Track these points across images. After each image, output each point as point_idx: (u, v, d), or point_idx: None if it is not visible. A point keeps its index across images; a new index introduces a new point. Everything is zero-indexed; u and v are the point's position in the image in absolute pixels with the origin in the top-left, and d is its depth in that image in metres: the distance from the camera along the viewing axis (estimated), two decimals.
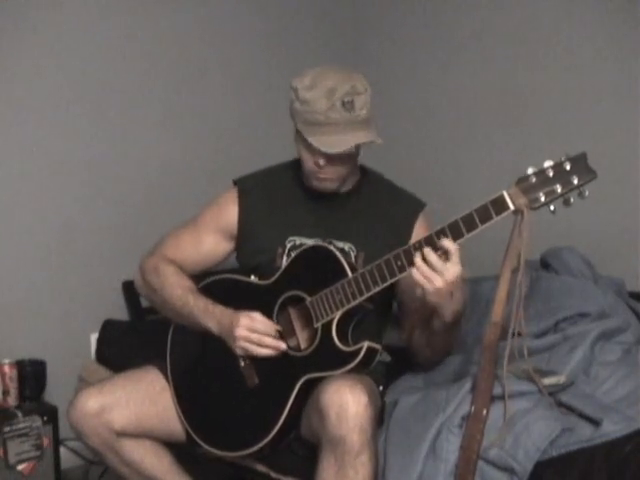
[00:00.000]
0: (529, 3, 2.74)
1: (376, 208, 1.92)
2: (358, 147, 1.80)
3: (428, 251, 1.58)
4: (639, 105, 2.41)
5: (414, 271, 1.60)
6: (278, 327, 1.77)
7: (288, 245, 1.88)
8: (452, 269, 1.58)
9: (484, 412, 1.58)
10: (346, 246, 1.87)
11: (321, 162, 1.77)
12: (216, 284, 1.93)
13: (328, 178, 1.82)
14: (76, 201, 2.70)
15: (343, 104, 1.72)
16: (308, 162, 1.81)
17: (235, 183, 1.99)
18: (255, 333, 1.74)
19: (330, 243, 1.85)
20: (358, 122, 1.74)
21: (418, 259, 1.59)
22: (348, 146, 1.73)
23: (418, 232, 1.88)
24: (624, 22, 2.46)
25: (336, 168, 1.80)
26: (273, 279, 1.83)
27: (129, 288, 2.77)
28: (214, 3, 2.99)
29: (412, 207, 1.93)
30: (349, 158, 1.81)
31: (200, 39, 2.96)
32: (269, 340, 1.74)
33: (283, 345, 1.75)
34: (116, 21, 2.74)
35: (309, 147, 1.77)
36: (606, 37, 2.53)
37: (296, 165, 1.95)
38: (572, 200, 1.51)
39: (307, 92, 1.74)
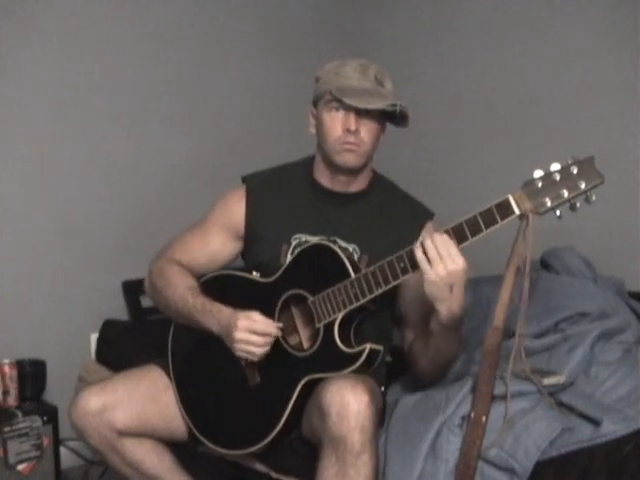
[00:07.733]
0: (534, 5, 2.75)
1: (384, 213, 1.90)
2: (384, 126, 1.85)
3: (438, 234, 1.56)
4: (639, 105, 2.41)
5: (418, 252, 1.57)
6: (279, 324, 1.75)
7: (293, 242, 1.86)
8: (456, 257, 1.54)
9: (484, 418, 1.56)
10: (350, 247, 1.86)
11: (352, 125, 1.78)
12: (217, 280, 1.92)
13: (354, 149, 1.81)
14: (76, 201, 2.70)
15: (375, 78, 1.82)
16: (337, 129, 1.80)
17: (243, 180, 1.97)
18: (254, 335, 1.71)
19: (334, 242, 1.83)
20: (388, 96, 1.82)
21: (428, 241, 1.56)
22: (382, 105, 1.77)
23: None
24: (627, 24, 2.46)
25: (363, 137, 1.80)
26: (275, 277, 1.82)
27: (129, 288, 2.78)
28: (220, 4, 3.00)
29: (420, 215, 1.91)
30: (376, 129, 1.83)
31: (206, 39, 2.96)
32: (267, 341, 1.72)
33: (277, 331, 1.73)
34: (121, 21, 2.75)
35: (342, 108, 1.79)
36: (610, 39, 2.53)
37: (307, 163, 1.95)
38: (578, 205, 1.47)
39: (341, 67, 1.83)
